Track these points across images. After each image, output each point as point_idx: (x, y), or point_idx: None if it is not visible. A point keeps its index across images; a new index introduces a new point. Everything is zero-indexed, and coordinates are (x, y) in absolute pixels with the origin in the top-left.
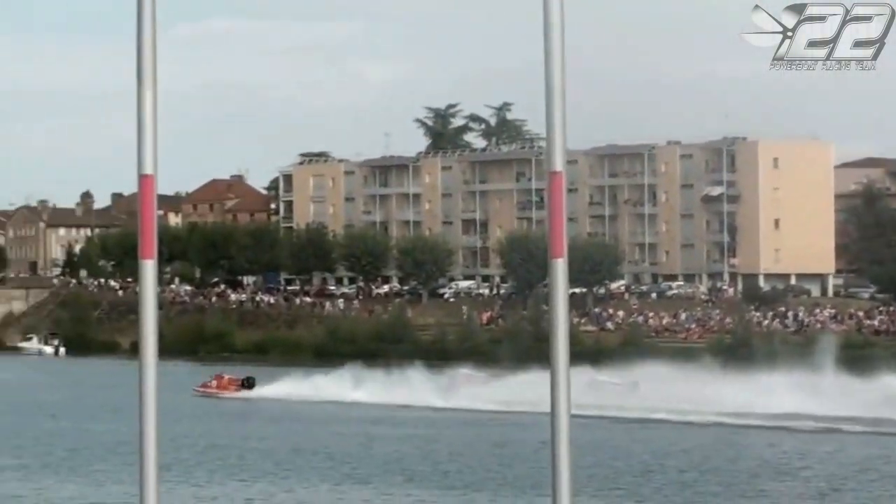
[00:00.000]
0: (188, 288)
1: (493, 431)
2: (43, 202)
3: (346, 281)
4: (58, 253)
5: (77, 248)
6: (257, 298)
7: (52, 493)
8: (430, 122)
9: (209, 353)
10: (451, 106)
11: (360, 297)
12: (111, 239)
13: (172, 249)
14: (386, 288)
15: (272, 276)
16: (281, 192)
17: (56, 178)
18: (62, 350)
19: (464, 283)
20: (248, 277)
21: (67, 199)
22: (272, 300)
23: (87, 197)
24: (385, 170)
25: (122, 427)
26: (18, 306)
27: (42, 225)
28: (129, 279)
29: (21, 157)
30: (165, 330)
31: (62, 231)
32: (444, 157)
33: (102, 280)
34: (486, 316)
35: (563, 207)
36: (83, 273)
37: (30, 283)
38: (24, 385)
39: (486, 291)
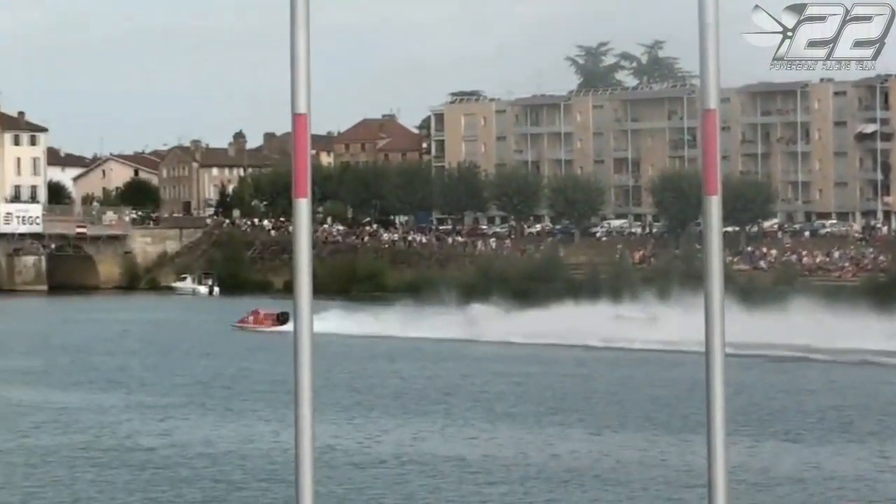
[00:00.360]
0: (340, 227)
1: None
2: (196, 142)
3: (497, 220)
4: (211, 193)
5: (230, 188)
6: (409, 238)
7: (208, 433)
8: (581, 61)
9: (362, 293)
10: (602, 44)
11: (512, 236)
12: (264, 178)
13: (325, 189)
14: (538, 227)
15: (424, 216)
16: (432, 131)
17: (209, 118)
18: (216, 289)
19: (616, 222)
20: (399, 217)
21: (220, 139)
22: (424, 239)
23: (239, 137)
24: (536, 108)
25: (277, 367)
26: (172, 246)
27: (195, 165)
28: (282, 218)
29: (174, 97)
30: (318, 269)
31: (215, 171)
32: (595, 96)
33: (255, 220)
34: (638, 255)
35: (716, 145)
36: (236, 213)
37: (183, 223)
38: (179, 324)
39: (639, 230)
